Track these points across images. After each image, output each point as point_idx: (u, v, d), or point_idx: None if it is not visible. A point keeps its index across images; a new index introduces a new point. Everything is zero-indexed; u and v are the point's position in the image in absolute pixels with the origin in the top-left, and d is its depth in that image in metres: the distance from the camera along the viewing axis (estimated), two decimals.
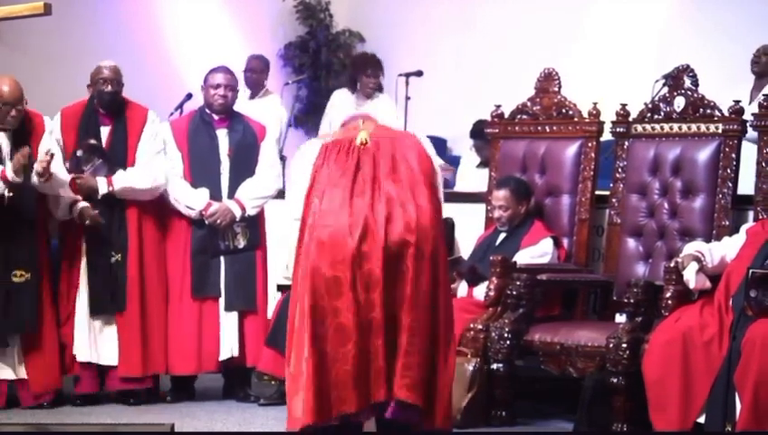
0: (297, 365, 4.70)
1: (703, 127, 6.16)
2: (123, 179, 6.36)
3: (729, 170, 6.04)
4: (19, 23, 6.30)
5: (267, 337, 6.40)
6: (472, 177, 8.34)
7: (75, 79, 6.70)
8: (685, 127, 6.22)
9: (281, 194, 6.66)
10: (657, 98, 6.44)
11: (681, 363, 5.16)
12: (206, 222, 6.47)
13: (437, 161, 5.01)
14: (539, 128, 6.69)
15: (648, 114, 6.34)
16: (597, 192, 6.50)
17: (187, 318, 6.47)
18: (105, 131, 6.44)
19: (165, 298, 6.48)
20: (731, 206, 6.02)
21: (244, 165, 6.57)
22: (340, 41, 11.22)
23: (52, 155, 6.00)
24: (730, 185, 6.03)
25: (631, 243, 6.29)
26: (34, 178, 6.05)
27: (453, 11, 10.74)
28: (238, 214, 6.49)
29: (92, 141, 6.38)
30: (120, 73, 6.48)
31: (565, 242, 6.44)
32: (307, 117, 10.52)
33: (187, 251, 6.50)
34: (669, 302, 5.41)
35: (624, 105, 6.44)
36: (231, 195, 6.51)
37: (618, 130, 6.42)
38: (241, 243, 6.54)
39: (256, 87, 9.09)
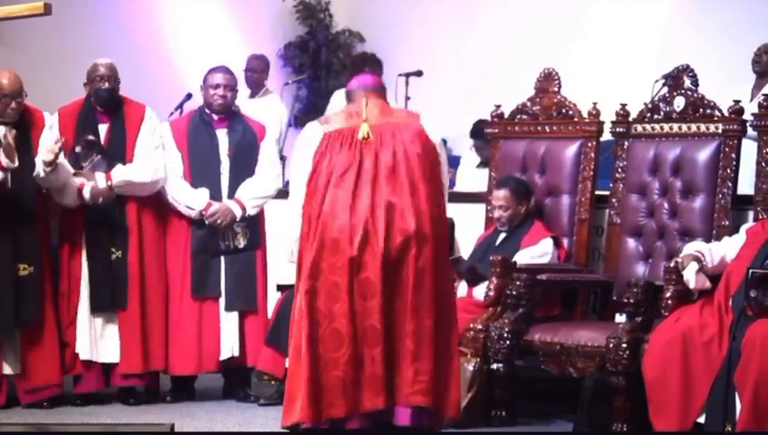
0: (296, 363, 4.74)
1: (703, 127, 6.15)
2: (122, 173, 6.33)
3: (729, 170, 6.03)
4: (19, 23, 6.28)
5: (267, 337, 6.40)
6: (472, 177, 8.35)
7: (75, 79, 6.68)
8: (685, 127, 6.21)
9: (281, 194, 6.66)
10: (656, 98, 6.44)
11: (681, 363, 5.16)
12: (207, 222, 6.46)
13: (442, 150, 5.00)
14: (539, 128, 6.68)
15: (648, 114, 6.34)
16: (597, 192, 6.49)
17: (188, 318, 6.46)
18: (103, 129, 6.43)
19: (165, 296, 6.46)
20: (731, 206, 6.02)
21: (244, 165, 6.56)
22: (339, 41, 11.23)
23: (64, 141, 6.00)
24: (730, 185, 6.02)
25: (631, 243, 6.28)
26: (39, 170, 6.03)
27: (453, 11, 10.75)
28: (238, 214, 6.49)
29: (91, 137, 6.36)
30: (116, 71, 6.46)
31: (565, 242, 6.43)
32: (307, 117, 10.41)
33: (187, 251, 6.49)
34: (669, 302, 5.40)
35: (624, 105, 6.44)
36: (231, 195, 6.51)
37: (617, 130, 6.42)
38: (241, 243, 6.54)
39: (256, 87, 9.11)
